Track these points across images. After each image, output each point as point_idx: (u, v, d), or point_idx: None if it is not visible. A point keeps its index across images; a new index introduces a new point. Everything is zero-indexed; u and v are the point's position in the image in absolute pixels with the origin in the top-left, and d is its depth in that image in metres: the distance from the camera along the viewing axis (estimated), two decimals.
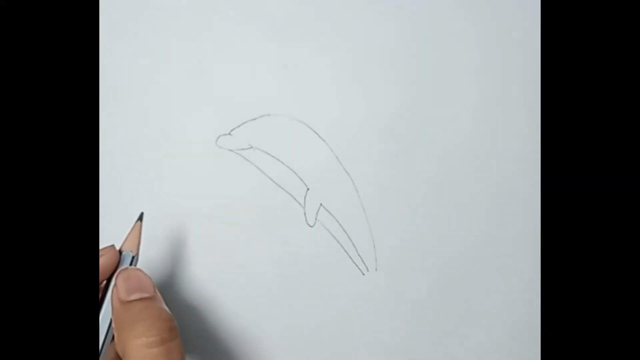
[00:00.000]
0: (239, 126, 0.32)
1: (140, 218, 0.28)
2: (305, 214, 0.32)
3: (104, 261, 0.26)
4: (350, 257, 0.33)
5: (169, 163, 0.32)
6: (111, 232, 0.30)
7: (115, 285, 0.26)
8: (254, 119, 0.32)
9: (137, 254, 0.27)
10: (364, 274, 0.33)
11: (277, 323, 0.32)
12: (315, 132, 0.33)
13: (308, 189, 0.32)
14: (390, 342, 0.33)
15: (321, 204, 0.32)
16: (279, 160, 0.32)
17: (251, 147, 0.32)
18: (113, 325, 0.25)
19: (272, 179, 0.32)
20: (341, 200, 0.32)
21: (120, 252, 0.27)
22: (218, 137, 0.32)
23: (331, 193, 0.33)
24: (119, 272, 0.26)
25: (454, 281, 0.33)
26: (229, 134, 0.32)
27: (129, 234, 0.28)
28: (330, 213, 0.32)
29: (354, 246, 0.33)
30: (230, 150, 0.32)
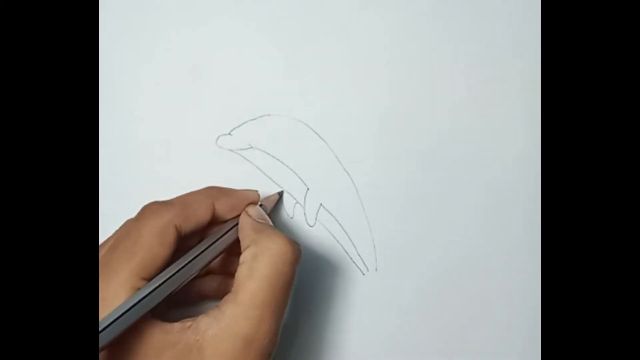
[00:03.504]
0: (239, 126, 0.32)
1: (280, 194, 0.32)
2: (305, 214, 0.32)
3: (249, 195, 0.29)
4: (350, 257, 0.33)
5: (169, 163, 0.32)
6: (111, 232, 0.30)
7: (246, 210, 0.29)
8: (254, 119, 0.32)
9: (269, 211, 0.30)
10: (364, 274, 0.33)
11: None
12: (315, 132, 0.33)
13: (308, 189, 0.32)
14: (390, 342, 0.33)
15: (321, 204, 0.32)
16: (279, 160, 0.32)
17: (251, 147, 0.32)
18: (245, 235, 0.27)
19: (272, 179, 0.32)
20: (341, 200, 0.32)
21: (260, 204, 0.30)
22: (218, 137, 0.32)
23: (331, 193, 0.33)
24: (252, 205, 0.29)
25: (454, 281, 0.33)
26: (229, 134, 0.32)
27: (270, 196, 0.31)
28: (330, 213, 0.32)
29: (354, 246, 0.33)
30: (230, 150, 0.32)
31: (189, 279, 0.26)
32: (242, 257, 0.25)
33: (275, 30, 0.33)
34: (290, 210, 0.32)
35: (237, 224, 0.28)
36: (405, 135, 0.33)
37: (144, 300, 0.24)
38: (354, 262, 0.33)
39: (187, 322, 0.24)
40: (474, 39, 0.33)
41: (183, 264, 0.26)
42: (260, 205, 0.29)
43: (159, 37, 0.33)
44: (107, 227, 0.31)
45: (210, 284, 0.30)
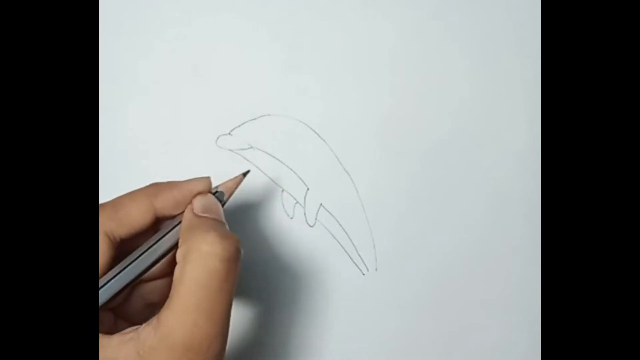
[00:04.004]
0: (239, 126, 0.32)
1: (245, 174, 0.28)
2: (305, 214, 0.32)
3: (196, 185, 0.26)
4: (350, 257, 0.33)
5: (169, 163, 0.32)
6: None
7: (191, 203, 0.26)
8: (254, 119, 0.32)
9: (227, 198, 0.27)
10: (364, 274, 0.33)
11: (277, 323, 0.32)
12: (315, 132, 0.33)
13: (308, 189, 0.32)
14: (390, 342, 0.33)
15: (321, 204, 0.32)
16: (279, 160, 0.32)
17: (251, 147, 0.32)
18: (181, 233, 0.24)
19: (272, 179, 0.32)
20: (341, 200, 0.32)
21: (215, 191, 0.27)
22: (218, 137, 0.32)
23: (331, 193, 0.33)
24: (198, 194, 0.26)
25: (454, 281, 0.33)
26: (229, 134, 0.32)
27: (229, 180, 0.28)
28: (330, 213, 0.32)
29: (354, 246, 0.33)
30: (230, 150, 0.32)
31: (125, 288, 0.24)
32: (177, 258, 0.23)
33: (275, 29, 0.33)
34: (290, 210, 0.32)
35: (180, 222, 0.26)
36: (405, 135, 0.33)
37: None
38: (354, 262, 0.33)
39: (128, 334, 0.22)
40: (475, 40, 0.33)
41: (115, 274, 0.24)
42: (216, 193, 0.27)
43: (159, 37, 0.33)
44: None
45: (157, 288, 0.27)
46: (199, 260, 0.23)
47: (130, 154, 0.32)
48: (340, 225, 0.32)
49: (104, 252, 0.24)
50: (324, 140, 0.33)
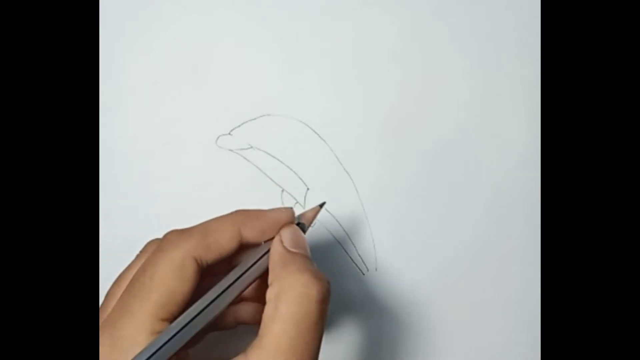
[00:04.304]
0: (239, 126, 0.32)
1: (321, 205, 0.28)
2: None
3: (281, 215, 0.26)
4: (350, 257, 0.33)
5: (169, 163, 0.32)
6: (111, 232, 0.30)
7: (280, 235, 0.26)
8: (254, 119, 0.32)
9: (308, 227, 0.27)
10: (364, 274, 0.33)
11: None
12: (315, 132, 0.33)
13: (308, 189, 0.32)
14: (390, 342, 0.33)
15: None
16: (279, 160, 0.32)
17: (251, 147, 0.32)
18: (272, 269, 0.24)
19: (272, 179, 0.32)
20: (341, 200, 0.32)
21: (298, 222, 0.27)
22: (218, 137, 0.32)
23: (331, 193, 0.32)
24: (288, 226, 0.26)
25: (453, 281, 0.33)
26: (229, 134, 0.32)
27: (308, 211, 0.28)
28: (330, 213, 0.32)
29: (354, 246, 0.33)
30: (230, 150, 0.32)
31: (215, 316, 0.24)
32: (267, 295, 0.23)
33: (275, 29, 0.33)
34: None
35: (268, 251, 0.26)
36: (405, 135, 0.33)
37: (165, 346, 0.21)
38: (354, 262, 0.33)
39: None
40: (476, 40, 0.33)
41: (208, 302, 0.23)
42: (299, 224, 0.27)
43: (159, 36, 0.33)
44: (107, 227, 0.31)
45: (246, 310, 0.28)
46: (295, 301, 0.22)
47: (130, 154, 0.32)
48: (340, 225, 0.32)
49: (192, 277, 0.24)
50: (324, 140, 0.33)
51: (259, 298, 0.27)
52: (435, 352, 0.33)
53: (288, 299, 0.22)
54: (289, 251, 0.25)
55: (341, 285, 0.32)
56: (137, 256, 0.26)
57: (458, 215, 0.33)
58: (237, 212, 0.26)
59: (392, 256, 0.33)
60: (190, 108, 0.32)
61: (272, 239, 0.26)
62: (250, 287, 0.25)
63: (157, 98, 0.32)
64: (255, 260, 0.25)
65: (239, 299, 0.26)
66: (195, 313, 0.23)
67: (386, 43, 0.33)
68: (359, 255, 0.33)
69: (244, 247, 0.26)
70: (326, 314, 0.23)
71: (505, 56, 0.33)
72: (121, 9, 0.33)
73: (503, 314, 0.33)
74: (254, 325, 0.26)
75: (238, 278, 0.24)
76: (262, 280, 0.26)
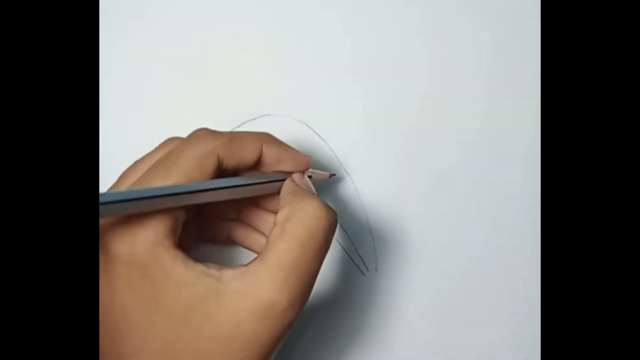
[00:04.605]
0: (239, 126, 0.32)
1: (331, 175, 0.31)
2: None
3: (300, 157, 0.28)
4: (350, 257, 0.33)
5: None
6: None
7: (294, 175, 0.28)
8: (254, 119, 0.32)
9: (314, 185, 0.29)
10: (364, 274, 0.33)
11: None
12: (315, 132, 0.33)
13: None
14: (390, 342, 0.33)
15: None
16: None
17: None
18: (283, 197, 0.26)
19: None
20: (341, 201, 0.32)
21: (310, 175, 0.29)
22: None
23: (331, 193, 0.33)
24: (299, 173, 0.28)
25: (453, 281, 0.33)
26: None
27: (319, 172, 0.30)
28: None
29: (354, 246, 0.33)
30: None
31: (219, 199, 0.25)
32: (276, 219, 0.24)
33: (275, 29, 0.33)
34: None
35: (280, 180, 0.27)
36: (405, 135, 0.33)
37: (176, 196, 0.23)
38: (354, 262, 0.33)
39: (211, 268, 0.23)
40: (476, 40, 0.33)
41: (222, 185, 0.25)
42: (309, 177, 0.29)
43: (159, 36, 0.33)
44: None
45: (239, 229, 0.30)
46: (303, 223, 0.23)
47: (130, 154, 0.32)
48: (340, 225, 0.32)
49: (210, 173, 0.25)
50: (324, 140, 0.33)
51: (255, 223, 0.29)
52: (435, 351, 0.33)
53: (296, 220, 0.24)
54: (300, 186, 0.27)
55: (341, 285, 0.32)
56: (157, 148, 0.27)
57: (458, 215, 0.33)
58: (264, 132, 0.28)
59: (392, 256, 0.33)
60: (190, 108, 0.32)
61: (284, 174, 0.28)
62: (248, 210, 0.29)
63: (157, 98, 0.32)
64: (269, 179, 0.27)
65: (235, 217, 0.29)
66: (208, 186, 0.24)
67: (387, 43, 0.33)
68: (359, 255, 0.33)
69: (257, 168, 0.27)
70: (329, 243, 0.24)
71: (506, 58, 0.33)
72: (121, 9, 0.33)
73: (503, 314, 0.33)
74: (243, 247, 0.30)
75: (250, 184, 0.26)
76: (261, 206, 0.29)
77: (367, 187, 0.33)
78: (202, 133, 0.26)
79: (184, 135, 0.30)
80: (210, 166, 0.25)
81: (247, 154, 0.26)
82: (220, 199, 0.25)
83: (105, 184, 0.31)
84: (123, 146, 0.32)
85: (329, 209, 0.24)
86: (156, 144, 0.32)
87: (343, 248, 0.32)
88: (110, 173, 0.32)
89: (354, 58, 0.33)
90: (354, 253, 0.33)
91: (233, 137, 0.26)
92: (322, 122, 0.32)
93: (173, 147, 0.26)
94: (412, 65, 0.33)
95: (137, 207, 0.22)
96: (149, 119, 0.32)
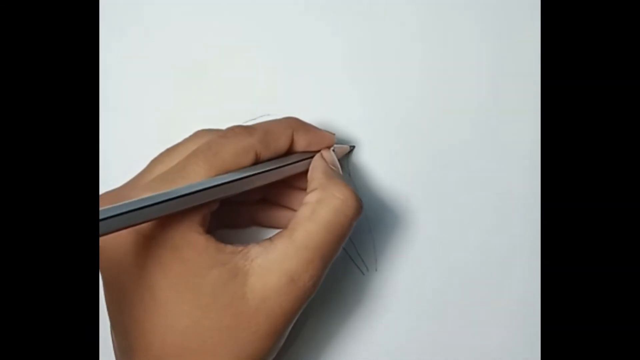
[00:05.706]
0: None
1: (352, 147, 0.32)
2: None
3: (326, 136, 0.29)
4: (350, 257, 0.33)
5: None
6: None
7: (322, 153, 0.29)
8: (254, 119, 0.32)
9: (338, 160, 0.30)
10: (364, 274, 0.33)
11: None
12: None
13: None
14: (390, 343, 0.33)
15: None
16: None
17: None
18: (315, 176, 0.27)
19: None
20: None
21: (333, 149, 0.30)
22: None
23: None
24: (326, 149, 0.29)
25: (454, 281, 0.33)
26: None
27: (342, 146, 0.31)
28: None
29: (354, 246, 0.33)
30: None
31: (251, 187, 0.26)
32: (307, 199, 0.26)
33: (275, 29, 0.33)
34: None
35: (308, 158, 0.29)
36: (405, 135, 0.33)
37: (212, 189, 0.24)
38: (354, 262, 0.33)
39: (239, 247, 0.25)
40: (476, 40, 0.33)
41: (252, 173, 0.26)
42: (333, 151, 0.30)
43: (159, 36, 0.33)
44: None
45: (263, 210, 0.31)
46: (334, 209, 0.25)
47: (130, 155, 0.32)
48: None
49: (247, 166, 0.26)
50: None
51: (278, 202, 0.31)
52: (435, 352, 0.33)
53: (328, 205, 0.25)
54: (331, 167, 0.28)
55: (341, 285, 0.32)
56: (188, 139, 0.28)
57: (458, 215, 0.33)
58: (291, 118, 0.29)
59: (392, 256, 0.33)
60: (190, 108, 0.32)
61: (311, 153, 0.29)
62: (275, 189, 0.29)
63: (157, 98, 0.32)
64: (297, 159, 0.28)
65: (258, 198, 0.30)
66: (240, 175, 0.25)
67: (386, 43, 0.33)
68: (359, 255, 0.33)
69: (289, 154, 0.28)
70: (351, 229, 0.26)
71: (507, 58, 0.33)
72: (121, 9, 0.33)
73: (503, 314, 0.33)
74: (266, 227, 0.31)
75: (279, 167, 0.27)
76: (288, 185, 0.30)
77: (367, 187, 0.33)
78: (239, 130, 0.27)
79: (184, 135, 0.30)
80: (248, 162, 0.26)
81: (281, 145, 0.27)
82: (254, 186, 0.26)
83: (105, 183, 0.31)
84: (123, 147, 0.32)
85: (358, 199, 0.26)
86: (156, 144, 0.32)
87: (343, 248, 0.32)
88: (110, 173, 0.32)
89: (354, 58, 0.33)
90: (354, 253, 0.33)
91: (267, 130, 0.27)
92: (322, 122, 0.32)
93: (209, 140, 0.26)
94: (412, 65, 0.33)
95: (183, 204, 0.23)
96: (148, 119, 0.32)
